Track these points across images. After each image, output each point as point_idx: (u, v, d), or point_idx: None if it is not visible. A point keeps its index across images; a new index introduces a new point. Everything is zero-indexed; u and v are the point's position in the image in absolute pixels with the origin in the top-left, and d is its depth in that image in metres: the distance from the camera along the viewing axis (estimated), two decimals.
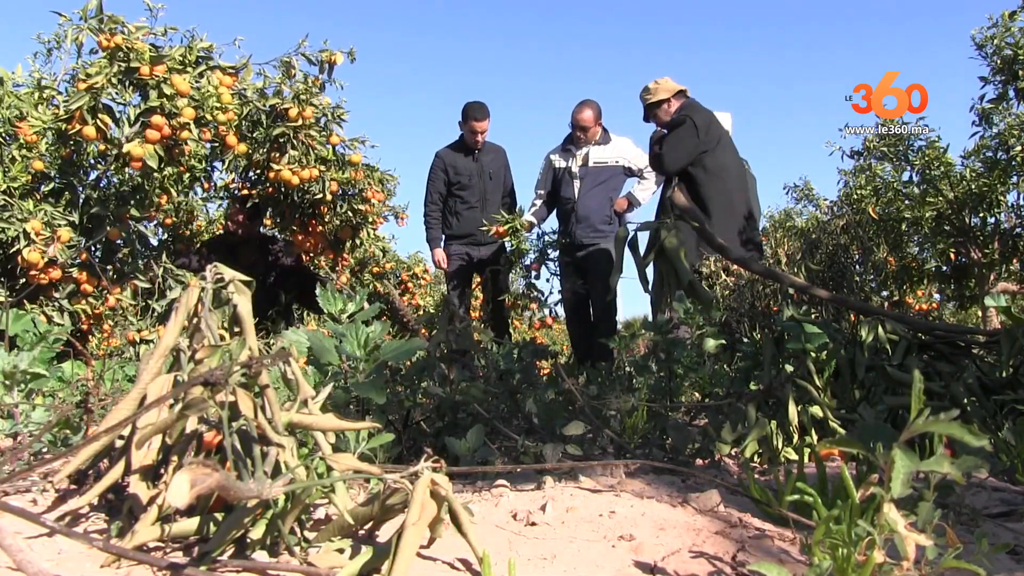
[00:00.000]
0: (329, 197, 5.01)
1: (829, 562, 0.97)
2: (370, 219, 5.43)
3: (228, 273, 1.31)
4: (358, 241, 5.58)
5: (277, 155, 4.80)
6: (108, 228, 4.36)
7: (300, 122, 4.70)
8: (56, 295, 4.21)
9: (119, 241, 4.58)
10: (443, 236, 5.41)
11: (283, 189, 5.05)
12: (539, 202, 5.23)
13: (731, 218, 4.23)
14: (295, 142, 4.75)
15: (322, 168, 4.90)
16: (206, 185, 5.52)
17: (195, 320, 1.30)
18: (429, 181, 5.40)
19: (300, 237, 5.31)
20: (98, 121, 4.06)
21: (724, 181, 4.25)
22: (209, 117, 4.35)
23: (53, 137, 4.20)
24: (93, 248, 4.41)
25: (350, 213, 5.25)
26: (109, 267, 4.52)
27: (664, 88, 4.44)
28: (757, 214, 4.57)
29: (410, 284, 9.55)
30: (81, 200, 4.38)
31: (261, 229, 5.49)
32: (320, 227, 5.26)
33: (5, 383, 1.74)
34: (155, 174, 4.31)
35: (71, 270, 4.19)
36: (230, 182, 5.51)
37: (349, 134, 5.11)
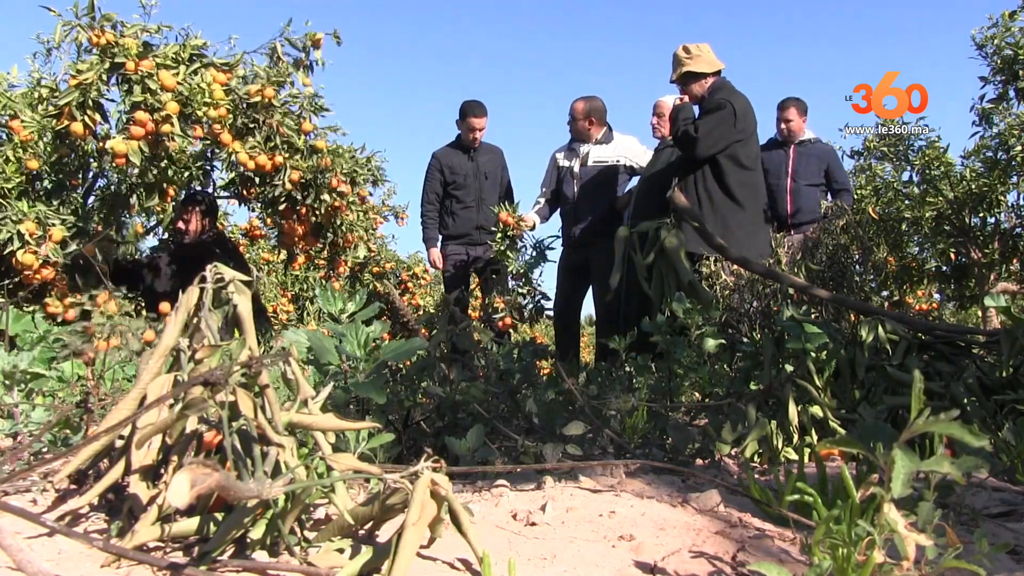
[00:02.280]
0: (288, 186, 4.84)
1: (829, 562, 0.97)
2: (350, 200, 5.21)
3: (228, 273, 1.32)
4: (341, 228, 5.38)
5: (247, 138, 4.65)
6: (102, 229, 4.35)
7: (260, 99, 4.50)
8: (47, 299, 4.18)
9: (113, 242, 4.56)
10: (439, 236, 5.41)
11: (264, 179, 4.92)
12: (543, 200, 5.22)
13: (759, 210, 4.21)
14: (261, 125, 4.60)
15: (286, 155, 4.74)
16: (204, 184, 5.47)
17: (195, 320, 1.30)
18: (425, 182, 5.42)
19: (285, 225, 5.21)
20: (86, 117, 4.03)
21: (753, 173, 4.19)
22: (199, 113, 4.29)
23: (51, 137, 4.19)
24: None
25: (323, 200, 5.05)
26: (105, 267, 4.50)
27: (706, 60, 4.21)
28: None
29: (410, 284, 9.55)
30: (75, 200, 4.37)
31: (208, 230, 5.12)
32: (304, 211, 5.13)
33: (5, 383, 1.74)
34: (150, 173, 4.28)
35: (63, 272, 4.16)
36: (231, 180, 5.48)
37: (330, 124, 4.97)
